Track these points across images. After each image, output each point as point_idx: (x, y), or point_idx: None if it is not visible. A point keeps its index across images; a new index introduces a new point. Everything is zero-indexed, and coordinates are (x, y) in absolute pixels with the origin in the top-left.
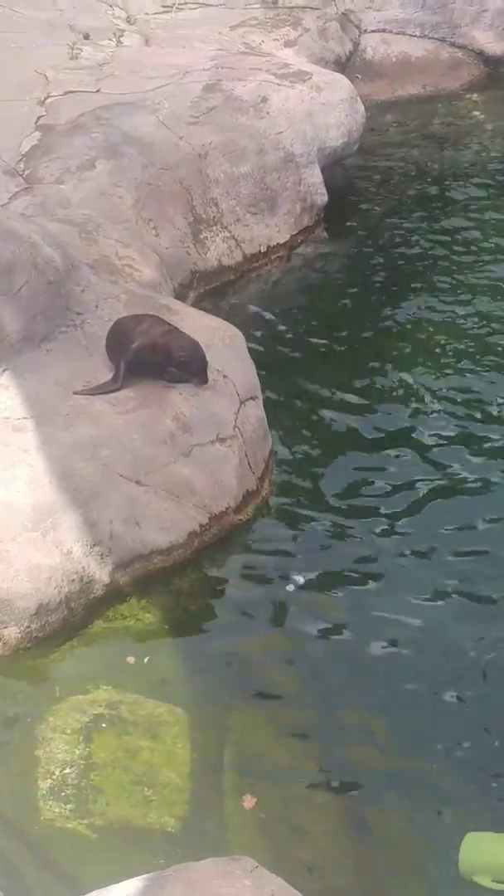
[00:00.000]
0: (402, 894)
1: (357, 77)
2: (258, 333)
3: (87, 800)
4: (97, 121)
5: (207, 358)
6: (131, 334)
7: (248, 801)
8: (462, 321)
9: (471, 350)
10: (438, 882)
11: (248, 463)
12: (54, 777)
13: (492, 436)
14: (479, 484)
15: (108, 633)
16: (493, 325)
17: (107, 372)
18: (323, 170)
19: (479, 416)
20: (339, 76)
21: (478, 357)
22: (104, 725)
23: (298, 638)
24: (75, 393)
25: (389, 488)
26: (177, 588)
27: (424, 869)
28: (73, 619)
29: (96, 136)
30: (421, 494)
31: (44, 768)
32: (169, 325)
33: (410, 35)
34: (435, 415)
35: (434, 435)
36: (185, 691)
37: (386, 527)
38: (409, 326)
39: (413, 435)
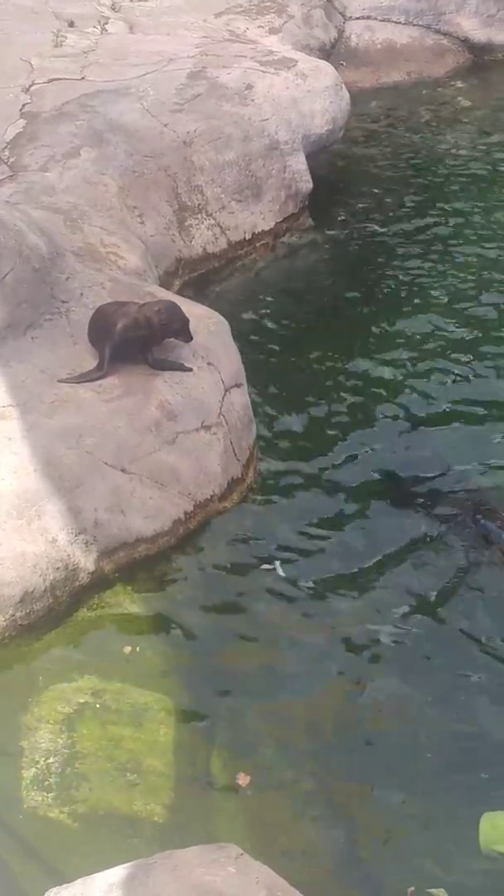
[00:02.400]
0: (388, 883)
1: (342, 64)
2: (243, 321)
3: (71, 788)
4: (82, 108)
5: (194, 345)
6: (112, 317)
7: (243, 779)
8: (448, 306)
9: (457, 334)
10: (426, 870)
11: (233, 450)
12: (38, 766)
13: (479, 414)
14: (468, 466)
15: (93, 621)
16: (479, 308)
17: (91, 360)
18: (308, 157)
19: (465, 397)
20: (323, 63)
21: (465, 341)
22: (89, 714)
23: (284, 624)
24: (60, 381)
25: (375, 474)
26: (162, 575)
27: (412, 858)
28: (58, 608)
29: (81, 124)
30: (408, 480)
31: (28, 757)
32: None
33: (395, 22)
34: (421, 399)
35: (421, 419)
36: (170, 679)
37: (372, 512)
38: (393, 312)
39: (399, 420)
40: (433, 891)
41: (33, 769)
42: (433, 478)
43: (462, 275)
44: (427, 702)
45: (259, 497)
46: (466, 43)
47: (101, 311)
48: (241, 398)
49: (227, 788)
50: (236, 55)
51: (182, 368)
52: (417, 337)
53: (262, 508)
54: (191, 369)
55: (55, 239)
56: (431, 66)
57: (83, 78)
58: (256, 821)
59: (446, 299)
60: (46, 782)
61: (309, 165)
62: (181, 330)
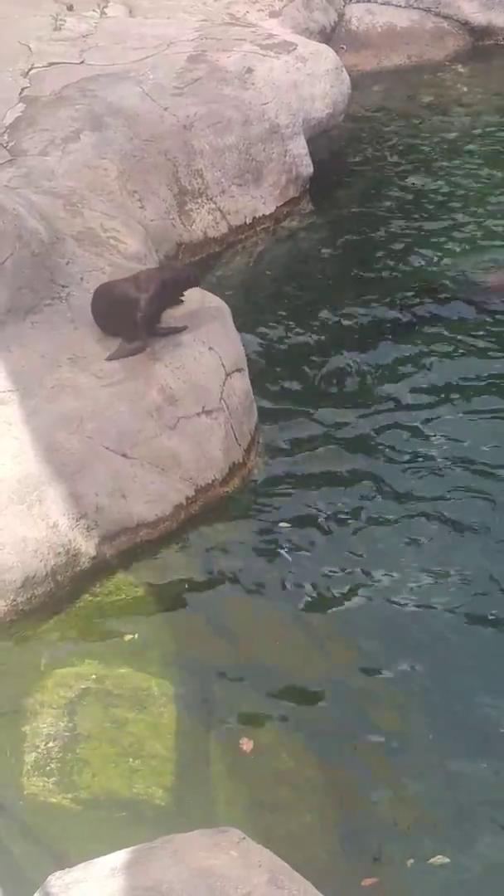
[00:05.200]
0: (389, 867)
1: (342, 48)
2: (244, 305)
3: (73, 772)
4: (81, 92)
5: (194, 330)
6: (130, 289)
7: (247, 744)
8: (448, 292)
9: (457, 319)
10: (426, 855)
11: (234, 435)
12: (40, 750)
13: (478, 405)
14: (468, 453)
15: (95, 606)
16: (480, 296)
17: (93, 344)
18: (308, 141)
19: (465, 383)
20: (324, 47)
21: (467, 322)
22: (90, 699)
23: (287, 609)
24: (108, 359)
25: (377, 459)
26: (163, 560)
27: (413, 842)
28: (59, 593)
29: (80, 108)
30: (410, 465)
31: (30, 742)
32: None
33: (396, 5)
34: (424, 384)
35: (423, 404)
36: (172, 664)
37: (374, 497)
38: (395, 295)
39: (401, 405)
40: (434, 859)
41: (34, 754)
42: (443, 462)
43: (461, 259)
44: (433, 688)
45: (260, 482)
46: (467, 26)
47: (108, 289)
48: (242, 383)
49: (229, 772)
50: (236, 39)
51: (176, 331)
52: (423, 321)
53: (263, 493)
54: (185, 327)
55: (55, 223)
56: (432, 49)
57: (82, 62)
58: (258, 805)
59: (451, 282)
60: (48, 767)
61: (309, 149)
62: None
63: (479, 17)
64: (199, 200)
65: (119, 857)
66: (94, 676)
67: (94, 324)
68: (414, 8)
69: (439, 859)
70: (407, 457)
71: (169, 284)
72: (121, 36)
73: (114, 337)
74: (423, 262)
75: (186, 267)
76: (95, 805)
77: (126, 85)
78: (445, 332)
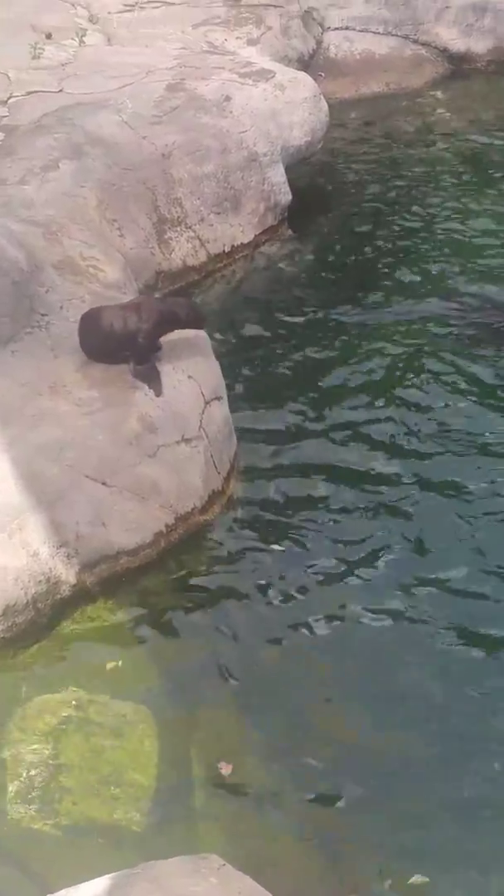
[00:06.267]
0: (368, 890)
1: (320, 75)
2: (223, 334)
3: (55, 800)
4: (60, 121)
5: (173, 359)
6: (129, 320)
7: (226, 767)
8: (426, 317)
9: (431, 345)
10: (405, 881)
11: (214, 463)
12: (22, 778)
13: (455, 425)
14: (444, 476)
15: (76, 633)
16: (454, 320)
17: (73, 372)
18: (287, 169)
19: (441, 405)
20: (302, 74)
21: (442, 351)
22: (72, 726)
23: (266, 636)
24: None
25: (355, 487)
26: (144, 588)
27: (392, 863)
28: (40, 620)
29: (59, 137)
30: (387, 490)
31: (12, 770)
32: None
33: (374, 32)
34: (401, 409)
35: (400, 429)
36: (153, 691)
37: (353, 524)
38: (371, 322)
39: (377, 430)
40: (413, 879)
41: (17, 781)
42: (421, 485)
43: (440, 284)
44: (414, 711)
45: (240, 509)
46: (445, 53)
47: (99, 316)
48: (221, 411)
49: (210, 799)
50: (215, 67)
51: (158, 390)
52: (401, 346)
53: (243, 520)
54: (161, 394)
55: (35, 252)
56: (410, 76)
57: (61, 90)
58: (238, 831)
59: (429, 309)
60: (30, 794)
61: (288, 177)
62: (199, 318)
63: (457, 43)
64: (179, 229)
65: (100, 884)
66: (75, 704)
67: (74, 352)
68: (392, 35)
69: (418, 879)
70: (386, 481)
71: (168, 317)
72: (99, 64)
73: (99, 363)
74: (401, 288)
75: (195, 307)
76: (77, 832)
77: (105, 113)
78: (426, 360)
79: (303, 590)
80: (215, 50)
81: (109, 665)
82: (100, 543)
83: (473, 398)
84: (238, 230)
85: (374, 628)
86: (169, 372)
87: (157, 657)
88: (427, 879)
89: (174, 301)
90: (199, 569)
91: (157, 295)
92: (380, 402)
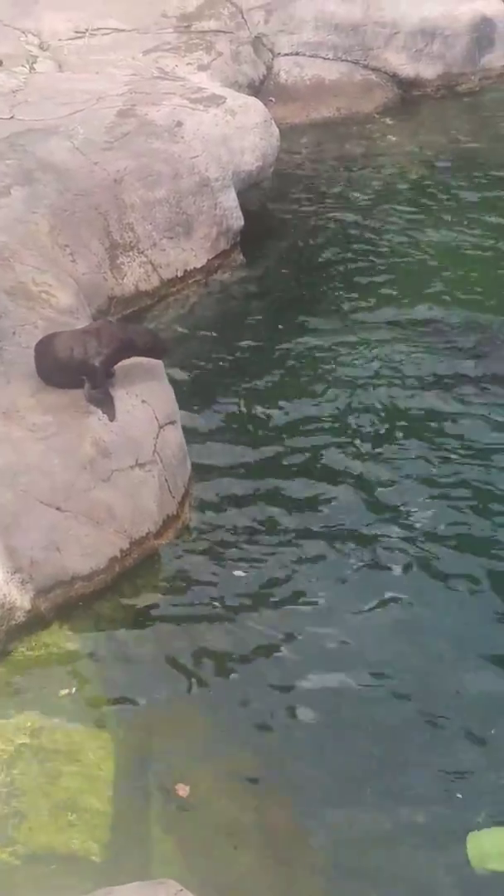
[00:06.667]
0: None
1: (271, 100)
2: (176, 358)
3: (10, 827)
4: (11, 147)
5: (127, 384)
6: (89, 345)
7: (182, 789)
8: (376, 343)
9: (385, 370)
10: None
11: (168, 487)
12: None
13: (410, 450)
14: (396, 502)
15: (31, 659)
16: (405, 345)
17: (26, 397)
18: (238, 194)
19: (392, 429)
20: (252, 100)
21: (391, 377)
22: (27, 753)
23: (221, 660)
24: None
25: (308, 511)
26: (98, 613)
27: (351, 886)
28: None
29: (11, 163)
30: (341, 516)
31: None
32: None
33: (324, 58)
34: (355, 436)
35: (352, 453)
36: (108, 716)
37: (307, 548)
38: (324, 348)
39: (331, 454)
40: None
41: None
42: (372, 509)
43: (392, 309)
44: (376, 731)
45: (194, 534)
46: (395, 78)
47: (57, 341)
48: (175, 435)
49: (166, 824)
50: (165, 92)
51: (111, 415)
52: (351, 371)
53: (197, 545)
54: (115, 418)
55: None
56: (360, 101)
57: (12, 117)
58: (195, 856)
59: (379, 334)
60: None
61: (240, 202)
62: (158, 348)
63: (406, 68)
64: (131, 254)
65: None
66: (30, 730)
67: (28, 377)
68: (342, 60)
69: None
70: (343, 505)
71: (127, 344)
72: (50, 91)
73: (54, 388)
74: (353, 313)
75: (157, 337)
76: (33, 859)
77: (56, 140)
78: (380, 386)
79: (258, 614)
80: (166, 76)
81: (63, 691)
82: (54, 569)
83: (430, 424)
84: (191, 255)
85: (329, 650)
86: (123, 396)
87: (111, 682)
88: None
89: (134, 329)
90: (154, 594)
91: (111, 320)
92: (335, 425)
